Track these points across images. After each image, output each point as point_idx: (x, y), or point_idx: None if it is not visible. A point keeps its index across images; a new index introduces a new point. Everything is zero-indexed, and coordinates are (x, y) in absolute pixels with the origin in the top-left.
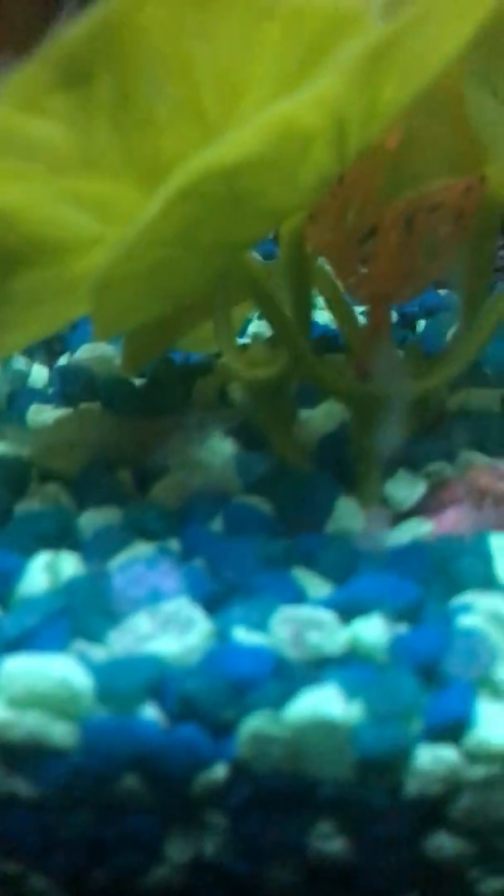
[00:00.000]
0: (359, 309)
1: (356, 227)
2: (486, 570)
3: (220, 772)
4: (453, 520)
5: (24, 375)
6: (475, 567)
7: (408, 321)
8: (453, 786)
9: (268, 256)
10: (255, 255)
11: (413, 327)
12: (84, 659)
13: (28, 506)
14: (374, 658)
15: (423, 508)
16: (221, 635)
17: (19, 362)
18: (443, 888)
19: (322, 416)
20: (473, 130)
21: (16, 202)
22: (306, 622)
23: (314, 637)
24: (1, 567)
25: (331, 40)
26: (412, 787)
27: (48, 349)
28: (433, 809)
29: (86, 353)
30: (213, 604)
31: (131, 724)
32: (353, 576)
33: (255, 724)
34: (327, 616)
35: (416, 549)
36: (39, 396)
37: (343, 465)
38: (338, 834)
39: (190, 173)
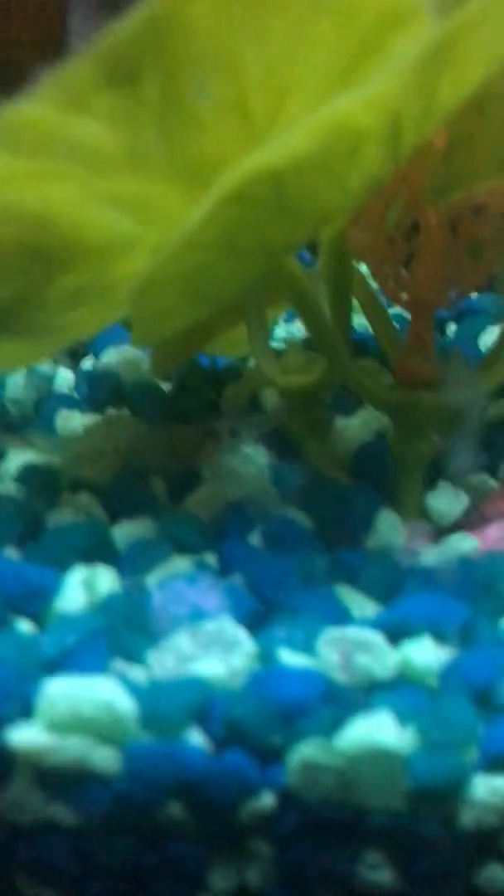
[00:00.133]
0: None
1: (399, 229)
2: None
3: (267, 800)
4: (498, 535)
5: (49, 379)
6: None
7: (438, 325)
8: None
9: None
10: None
11: (443, 331)
12: (127, 681)
13: (60, 517)
14: (426, 683)
15: (464, 523)
16: (266, 657)
17: (44, 366)
18: None
19: (358, 425)
20: None
21: (54, 204)
22: (354, 644)
23: (363, 660)
24: (37, 582)
25: (384, 36)
26: (467, 818)
27: (71, 352)
28: (487, 841)
29: (112, 356)
30: (254, 623)
31: (176, 749)
32: (398, 594)
33: (305, 751)
34: (376, 638)
35: (463, 567)
36: (67, 402)
37: (381, 476)
38: (387, 864)
39: (239, 176)
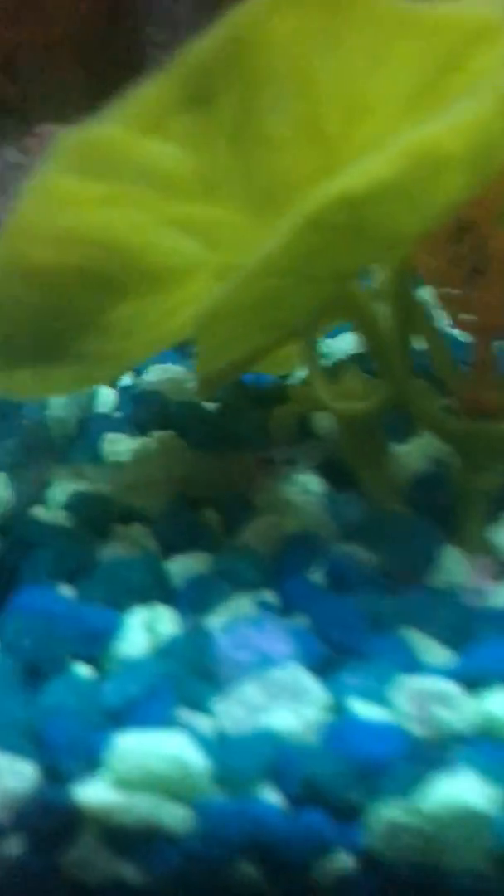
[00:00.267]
0: None
1: (468, 253)
2: None
3: (344, 861)
4: None
5: (91, 398)
6: None
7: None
8: None
9: None
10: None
11: None
12: (197, 735)
13: (114, 551)
14: None
15: None
16: (338, 708)
17: None
18: None
19: (416, 453)
20: None
21: (119, 228)
22: (431, 695)
23: (442, 713)
24: (95, 624)
25: (467, 54)
26: None
27: None
28: None
29: (155, 375)
30: (322, 668)
31: (251, 807)
32: (470, 639)
33: (386, 811)
34: (454, 688)
35: None
36: (111, 423)
37: (441, 508)
38: None
39: (318, 202)
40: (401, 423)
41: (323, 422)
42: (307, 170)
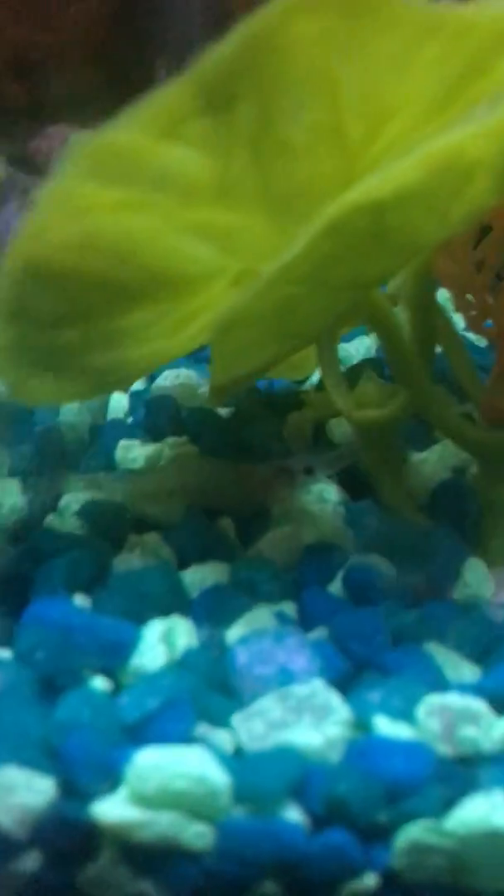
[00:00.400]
0: None
1: (490, 259)
2: None
3: (370, 881)
4: None
5: (104, 404)
6: None
7: None
8: None
9: None
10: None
11: None
12: (218, 752)
13: (129, 561)
14: None
15: None
16: (363, 725)
17: None
18: None
19: (435, 461)
20: None
21: (135, 234)
22: (458, 713)
23: (469, 731)
24: (113, 637)
25: (492, 59)
26: None
27: None
28: None
29: (168, 380)
30: (345, 685)
31: (274, 826)
32: (495, 654)
33: (414, 832)
34: (481, 706)
35: None
36: (124, 429)
37: (461, 518)
38: None
39: (342, 207)
40: (420, 430)
41: (340, 428)
42: (327, 176)
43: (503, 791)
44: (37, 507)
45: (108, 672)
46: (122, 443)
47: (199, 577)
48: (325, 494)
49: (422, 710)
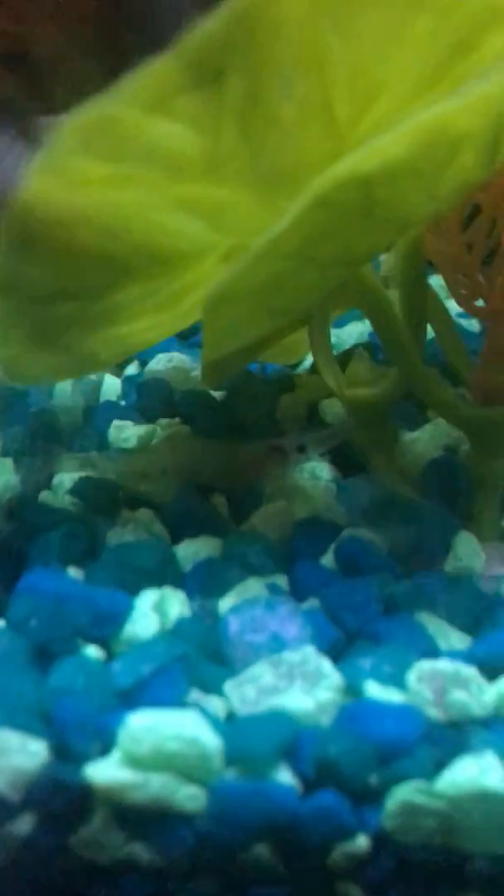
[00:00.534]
0: None
1: (480, 238)
2: None
3: (361, 843)
4: None
5: (97, 386)
6: None
7: None
8: None
9: None
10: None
11: None
12: (210, 716)
13: (121, 535)
14: None
15: None
16: (354, 690)
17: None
18: None
19: (426, 440)
20: None
21: (126, 210)
22: (449, 679)
23: (459, 696)
24: (106, 606)
25: (480, 36)
26: None
27: None
28: None
29: (161, 363)
30: (337, 652)
31: (266, 789)
32: (486, 624)
33: (405, 794)
34: (471, 672)
35: None
36: (117, 411)
37: (452, 494)
38: None
39: (327, 181)
40: (411, 410)
41: (331, 409)
42: (316, 152)
43: (494, 753)
44: (30, 485)
45: (101, 641)
46: (115, 423)
47: (191, 551)
48: (317, 472)
49: (413, 676)
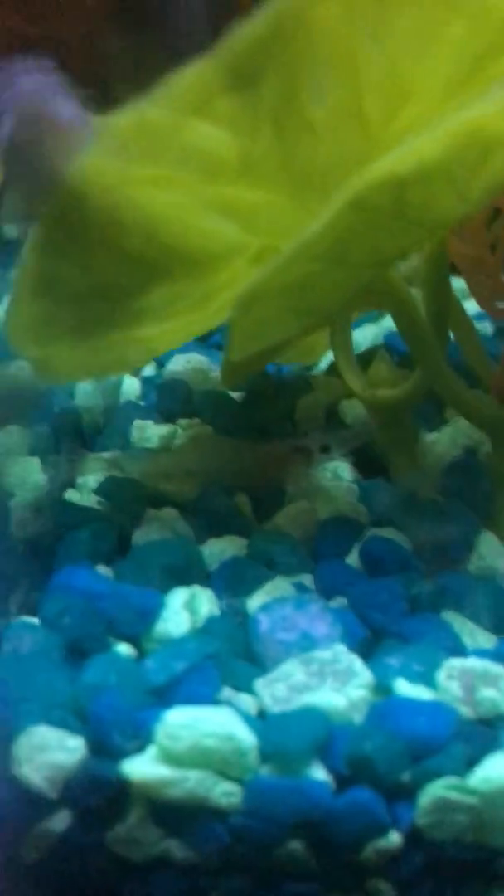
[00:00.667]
0: None
1: (503, 239)
2: None
3: (394, 839)
4: None
5: (116, 387)
6: None
7: None
8: None
9: None
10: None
11: None
12: (244, 713)
13: (148, 534)
14: None
15: None
16: (384, 688)
17: None
18: None
19: (447, 441)
20: None
21: (160, 211)
22: (478, 676)
23: (489, 693)
24: (137, 604)
25: None
26: None
27: None
28: None
29: (179, 364)
30: (366, 650)
31: (301, 785)
32: None
33: (438, 790)
34: (500, 670)
35: None
36: (138, 411)
37: (474, 495)
38: None
39: (364, 183)
40: (431, 411)
41: (351, 410)
42: (348, 155)
43: None
44: (56, 484)
45: (132, 639)
46: (137, 423)
47: (217, 550)
48: (339, 472)
49: (442, 674)
